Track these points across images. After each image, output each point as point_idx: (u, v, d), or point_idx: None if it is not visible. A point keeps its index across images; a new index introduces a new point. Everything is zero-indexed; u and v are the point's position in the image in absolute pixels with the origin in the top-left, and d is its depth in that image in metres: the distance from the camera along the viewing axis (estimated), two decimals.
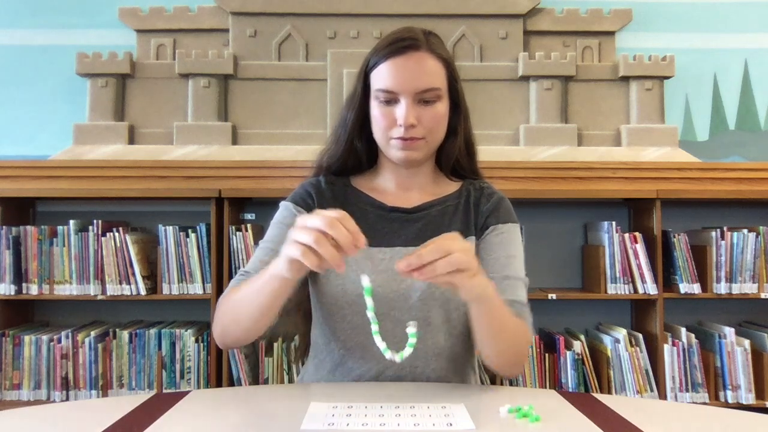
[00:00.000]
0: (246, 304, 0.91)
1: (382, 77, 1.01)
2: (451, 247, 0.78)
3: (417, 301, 0.99)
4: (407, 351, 0.80)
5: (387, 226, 1.05)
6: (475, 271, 0.80)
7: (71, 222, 2.01)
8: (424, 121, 1.00)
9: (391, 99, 1.00)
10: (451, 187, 1.11)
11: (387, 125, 1.01)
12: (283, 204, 1.09)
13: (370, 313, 0.79)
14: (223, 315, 0.97)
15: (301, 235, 0.76)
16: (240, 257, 1.99)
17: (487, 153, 2.26)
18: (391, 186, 1.10)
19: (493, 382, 1.24)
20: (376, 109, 1.02)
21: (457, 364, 1.05)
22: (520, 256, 1.06)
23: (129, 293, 1.98)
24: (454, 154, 1.10)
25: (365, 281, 0.77)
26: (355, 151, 1.09)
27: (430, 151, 1.06)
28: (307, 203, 1.06)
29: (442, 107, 1.02)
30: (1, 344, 1.98)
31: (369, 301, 0.79)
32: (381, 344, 0.80)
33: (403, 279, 1.00)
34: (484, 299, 0.86)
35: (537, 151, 2.29)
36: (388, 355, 0.80)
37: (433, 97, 1.00)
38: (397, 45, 1.00)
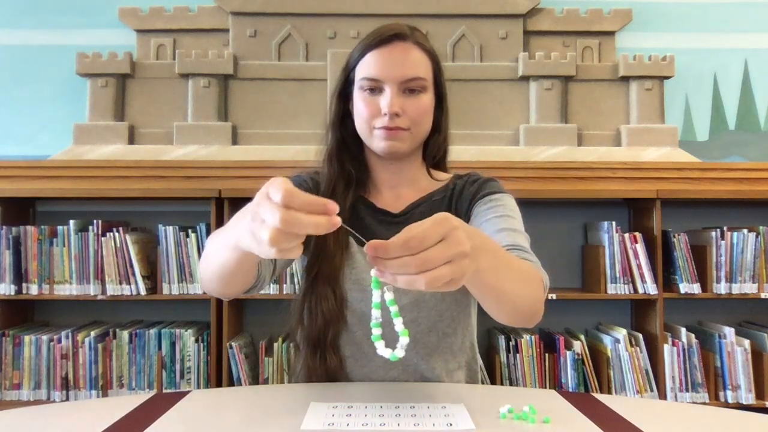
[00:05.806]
0: (219, 264, 0.78)
1: (367, 66, 1.00)
2: (427, 240, 0.58)
3: (407, 303, 0.98)
4: (399, 352, 0.67)
5: (377, 228, 1.04)
6: (467, 257, 0.60)
7: (71, 222, 2.01)
8: (409, 112, 0.99)
9: (375, 87, 0.99)
10: (439, 183, 1.10)
11: (370, 115, 1.00)
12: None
13: (375, 311, 0.67)
14: (204, 265, 0.84)
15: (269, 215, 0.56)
16: None
17: (487, 153, 2.26)
18: (380, 184, 1.09)
19: (493, 382, 1.24)
20: (359, 100, 1.01)
21: (456, 361, 1.04)
22: (518, 218, 0.99)
23: (129, 293, 1.98)
24: (439, 151, 1.09)
25: (374, 272, 0.63)
26: (347, 147, 1.07)
27: (414, 143, 1.04)
28: (306, 189, 1.02)
29: (427, 99, 1.02)
30: (1, 344, 1.98)
31: (376, 295, 0.66)
32: (380, 345, 0.68)
33: None
34: (479, 271, 0.67)
35: (537, 151, 2.29)
36: (382, 351, 0.68)
37: (418, 87, 0.99)
38: (383, 36, 1.00)
